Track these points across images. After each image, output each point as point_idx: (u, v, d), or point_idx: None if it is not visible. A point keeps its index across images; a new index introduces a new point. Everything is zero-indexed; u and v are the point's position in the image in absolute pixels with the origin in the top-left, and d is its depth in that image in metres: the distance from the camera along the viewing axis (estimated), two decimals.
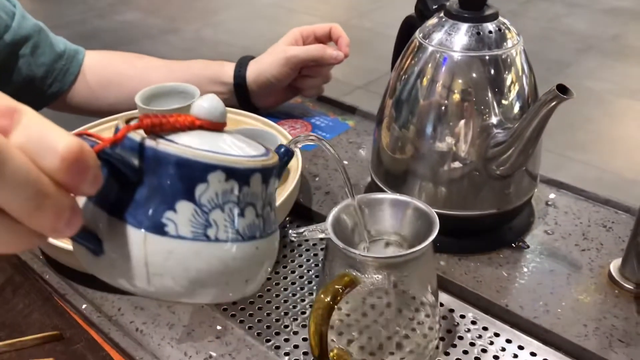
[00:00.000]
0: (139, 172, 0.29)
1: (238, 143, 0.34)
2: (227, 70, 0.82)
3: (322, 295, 0.43)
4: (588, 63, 2.92)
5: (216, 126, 0.34)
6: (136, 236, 0.29)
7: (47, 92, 0.82)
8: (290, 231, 0.48)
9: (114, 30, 3.39)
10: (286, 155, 0.38)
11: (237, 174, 0.31)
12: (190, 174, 0.30)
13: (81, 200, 0.31)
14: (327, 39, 0.84)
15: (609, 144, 2.31)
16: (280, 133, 0.72)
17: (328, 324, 0.43)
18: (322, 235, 0.47)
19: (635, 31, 3.28)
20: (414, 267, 0.47)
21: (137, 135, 0.30)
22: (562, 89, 0.47)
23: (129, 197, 0.29)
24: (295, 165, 0.66)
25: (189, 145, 0.31)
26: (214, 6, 3.81)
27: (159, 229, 0.29)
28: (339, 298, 0.43)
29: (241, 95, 0.82)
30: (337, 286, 0.44)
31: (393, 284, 0.47)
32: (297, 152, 0.67)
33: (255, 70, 0.82)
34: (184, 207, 0.30)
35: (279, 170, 0.36)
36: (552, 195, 0.68)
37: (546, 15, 3.47)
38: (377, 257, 0.46)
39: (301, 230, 0.48)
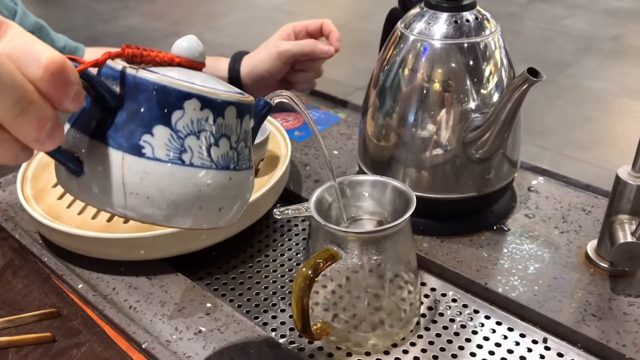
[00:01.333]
0: (119, 98, 0.32)
1: (215, 82, 0.36)
2: (221, 65, 0.85)
3: (303, 269, 0.46)
4: (588, 63, 2.94)
5: (195, 65, 0.36)
6: (115, 157, 0.31)
7: None
8: (274, 210, 0.50)
9: (118, 35, 3.43)
10: (264, 107, 0.40)
11: (212, 104, 0.33)
12: (167, 101, 0.32)
13: (65, 128, 0.33)
14: (318, 34, 0.87)
15: (608, 143, 2.33)
16: (272, 124, 0.75)
17: (309, 296, 0.46)
18: (305, 214, 0.50)
19: (635, 31, 3.29)
20: (392, 242, 0.49)
21: (119, 64, 0.32)
22: (533, 72, 0.49)
23: (109, 121, 0.32)
24: (285, 152, 0.68)
25: (167, 75, 0.33)
26: (216, 11, 3.85)
27: (136, 150, 0.32)
28: (319, 271, 0.46)
29: None
30: (318, 260, 0.46)
31: (373, 259, 0.49)
32: (287, 140, 0.70)
33: (249, 65, 0.84)
34: (161, 132, 0.32)
35: (257, 117, 0.39)
36: (534, 182, 0.70)
37: (546, 16, 3.49)
38: (356, 232, 0.49)
39: (284, 209, 0.50)
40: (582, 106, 2.53)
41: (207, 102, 0.33)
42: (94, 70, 0.31)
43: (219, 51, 0.87)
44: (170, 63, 0.35)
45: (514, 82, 0.51)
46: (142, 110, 0.32)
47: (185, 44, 0.36)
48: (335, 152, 0.78)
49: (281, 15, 3.69)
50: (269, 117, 0.76)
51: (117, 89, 0.32)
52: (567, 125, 2.40)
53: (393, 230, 0.48)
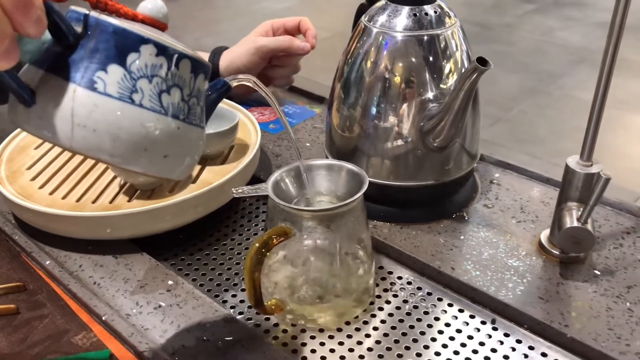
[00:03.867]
0: (79, 37, 0.34)
1: (174, 40, 0.37)
2: None
3: (256, 244, 0.48)
4: (580, 74, 2.96)
5: (157, 24, 0.38)
6: (67, 89, 0.33)
7: None
8: (232, 189, 0.52)
9: None
10: (223, 86, 0.42)
11: (168, 53, 0.35)
12: (124, 43, 0.34)
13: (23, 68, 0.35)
14: (296, 31, 0.89)
15: (597, 153, 2.35)
16: (243, 113, 0.77)
17: (260, 270, 0.47)
18: (261, 193, 0.52)
19: (626, 45, 3.31)
20: (345, 221, 0.51)
21: (83, 10, 0.34)
22: (482, 61, 0.51)
23: (65, 57, 0.34)
24: (255, 140, 0.70)
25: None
26: (214, 16, 3.89)
27: (89, 84, 0.33)
28: (270, 245, 0.48)
29: None
30: (270, 235, 0.48)
31: (326, 237, 0.51)
32: (257, 129, 0.72)
33: (227, 59, 0.86)
34: (115, 70, 0.34)
35: (216, 93, 0.41)
36: (497, 175, 0.72)
37: (541, 28, 3.52)
38: (309, 210, 0.51)
39: (241, 188, 0.52)
40: (573, 116, 2.55)
41: (163, 50, 0.35)
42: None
43: None
44: (134, 18, 0.37)
45: (464, 72, 0.53)
46: (99, 49, 0.33)
47: (149, 5, 0.38)
48: (308, 144, 0.80)
49: None
50: (240, 107, 0.78)
51: (79, 30, 0.34)
52: (557, 135, 2.43)
53: (345, 208, 0.50)
